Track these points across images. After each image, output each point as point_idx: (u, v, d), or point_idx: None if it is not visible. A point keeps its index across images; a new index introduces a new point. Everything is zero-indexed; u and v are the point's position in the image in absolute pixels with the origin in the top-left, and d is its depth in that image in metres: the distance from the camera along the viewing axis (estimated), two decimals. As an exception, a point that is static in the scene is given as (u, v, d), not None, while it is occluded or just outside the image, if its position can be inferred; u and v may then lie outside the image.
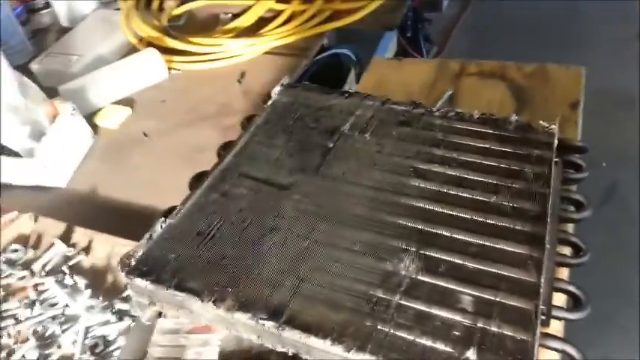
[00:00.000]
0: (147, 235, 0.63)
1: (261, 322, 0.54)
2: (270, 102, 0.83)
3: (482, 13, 2.85)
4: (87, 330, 0.77)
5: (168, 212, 0.66)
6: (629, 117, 2.21)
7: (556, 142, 0.70)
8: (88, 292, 0.81)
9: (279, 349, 0.56)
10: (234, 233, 0.63)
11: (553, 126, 0.72)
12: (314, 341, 0.53)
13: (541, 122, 0.73)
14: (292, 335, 0.53)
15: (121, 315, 0.78)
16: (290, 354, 0.56)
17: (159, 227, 0.64)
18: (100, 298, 0.80)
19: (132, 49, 1.40)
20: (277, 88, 0.85)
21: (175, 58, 1.32)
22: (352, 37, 1.54)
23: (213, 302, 0.56)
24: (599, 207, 1.90)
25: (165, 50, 1.33)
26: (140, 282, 0.59)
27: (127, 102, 1.26)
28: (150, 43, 1.38)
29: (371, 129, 0.77)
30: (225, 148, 0.76)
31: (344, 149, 0.74)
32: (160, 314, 0.68)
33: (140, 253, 0.61)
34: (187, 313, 0.59)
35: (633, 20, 2.59)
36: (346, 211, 0.66)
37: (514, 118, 0.74)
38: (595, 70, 2.30)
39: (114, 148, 1.16)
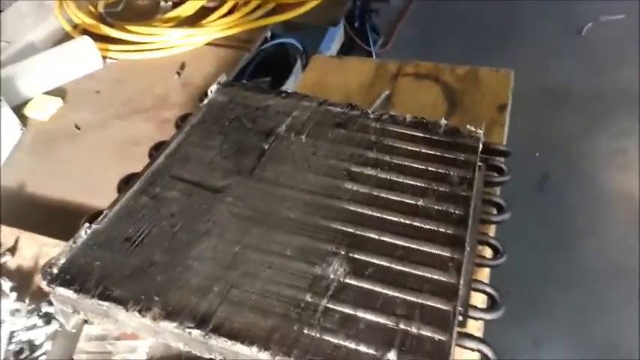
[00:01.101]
0: (70, 242, 0.61)
1: (187, 330, 0.54)
2: (206, 101, 0.82)
3: (430, 3, 2.91)
4: (11, 335, 0.74)
5: (93, 217, 0.64)
6: (563, 110, 2.32)
7: (481, 146, 0.73)
8: (14, 295, 0.78)
9: (207, 355, 0.56)
10: (164, 239, 0.62)
11: (479, 131, 0.75)
12: (240, 348, 0.53)
13: (468, 127, 0.75)
14: (219, 343, 0.54)
15: (48, 318, 0.75)
16: (218, 360, 0.57)
17: (83, 233, 0.62)
18: (27, 301, 0.77)
19: (65, 37, 1.33)
20: (214, 87, 0.84)
21: (111, 46, 1.27)
22: (299, 26, 1.54)
23: (139, 311, 0.55)
24: (533, 195, 2.01)
25: (101, 38, 1.28)
26: (63, 291, 0.57)
27: (59, 92, 1.20)
28: (85, 31, 1.32)
29: (307, 130, 0.77)
30: (157, 148, 0.74)
31: (279, 151, 0.74)
32: (85, 321, 0.67)
33: (63, 260, 0.59)
34: (113, 321, 0.58)
35: (571, 16, 2.71)
36: (279, 215, 0.66)
37: (443, 122, 0.77)
38: (534, 65, 2.41)
39: (44, 141, 1.11)
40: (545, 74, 2.45)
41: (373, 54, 2.35)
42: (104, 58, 1.26)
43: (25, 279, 0.81)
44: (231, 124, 0.78)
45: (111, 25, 1.29)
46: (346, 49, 2.14)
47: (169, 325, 0.54)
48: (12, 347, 0.72)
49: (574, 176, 2.08)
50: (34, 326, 0.75)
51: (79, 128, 1.11)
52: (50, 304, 0.75)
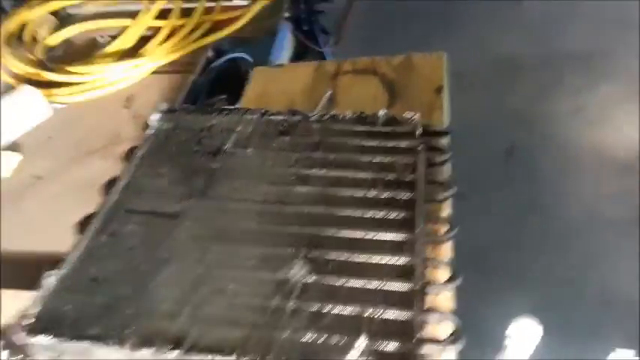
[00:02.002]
0: (39, 292, 0.63)
1: (166, 353, 0.56)
2: (150, 130, 0.84)
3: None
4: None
5: (57, 263, 0.66)
6: (518, 79, 2.38)
7: (420, 131, 0.77)
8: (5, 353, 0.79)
9: (189, 375, 0.59)
10: (127, 273, 0.64)
11: (416, 116, 0.79)
12: (219, 360, 0.56)
13: (405, 114, 0.79)
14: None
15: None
16: (199, 379, 0.59)
17: (50, 280, 0.64)
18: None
19: (7, 89, 1.33)
20: (155, 115, 0.85)
21: (56, 91, 1.27)
22: (244, 40, 1.55)
23: (116, 344, 0.57)
24: (502, 166, 2.06)
25: (45, 84, 1.28)
26: (41, 339, 0.59)
27: (14, 146, 1.20)
28: (27, 79, 1.32)
29: (253, 144, 0.80)
30: (110, 184, 0.76)
31: (228, 168, 0.77)
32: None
33: (35, 310, 0.61)
34: (92, 360, 0.60)
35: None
36: (237, 229, 0.69)
37: (382, 113, 0.80)
38: (486, 42, 2.45)
39: (9, 197, 1.10)
40: (495, 48, 2.50)
41: (325, 55, 2.37)
42: (52, 102, 1.27)
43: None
44: (178, 149, 0.80)
45: (52, 70, 1.29)
46: (300, 54, 2.15)
47: (147, 353, 0.57)
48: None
49: (539, 141, 2.13)
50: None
51: (40, 178, 1.12)
52: None
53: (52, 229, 1.00)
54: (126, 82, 1.27)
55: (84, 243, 0.68)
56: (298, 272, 0.63)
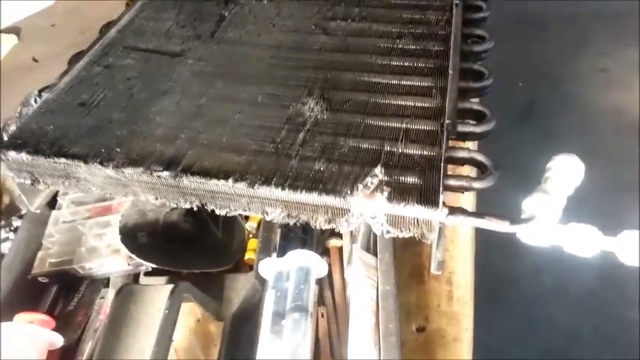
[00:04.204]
0: (18, 110, 0.56)
1: (156, 174, 0.50)
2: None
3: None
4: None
5: (44, 88, 0.59)
6: (542, 36, 2.26)
7: (455, -12, 0.69)
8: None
9: (182, 204, 0.52)
10: (122, 99, 0.57)
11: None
12: (215, 184, 0.49)
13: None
14: (192, 183, 0.49)
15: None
16: (195, 208, 0.52)
17: (32, 101, 0.57)
18: (-2, 219, 0.73)
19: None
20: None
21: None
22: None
23: (100, 163, 0.50)
24: (521, 123, 1.96)
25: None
26: (15, 155, 0.52)
27: (13, 30, 1.14)
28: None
29: (269, -4, 0.72)
30: (107, 26, 0.69)
31: (240, 16, 0.69)
32: (53, 206, 0.62)
33: (13, 127, 0.54)
34: (75, 183, 0.53)
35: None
36: (245, 69, 0.61)
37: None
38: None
39: (3, 77, 1.05)
40: (521, 2, 2.38)
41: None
42: (56, -8, 1.20)
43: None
44: (186, -1, 0.73)
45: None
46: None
47: (135, 172, 0.50)
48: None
49: (559, 99, 2.03)
50: (6, 239, 0.71)
51: (36, 61, 1.05)
52: (20, 217, 0.71)
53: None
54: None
55: (74, 71, 0.61)
56: (312, 108, 0.55)
